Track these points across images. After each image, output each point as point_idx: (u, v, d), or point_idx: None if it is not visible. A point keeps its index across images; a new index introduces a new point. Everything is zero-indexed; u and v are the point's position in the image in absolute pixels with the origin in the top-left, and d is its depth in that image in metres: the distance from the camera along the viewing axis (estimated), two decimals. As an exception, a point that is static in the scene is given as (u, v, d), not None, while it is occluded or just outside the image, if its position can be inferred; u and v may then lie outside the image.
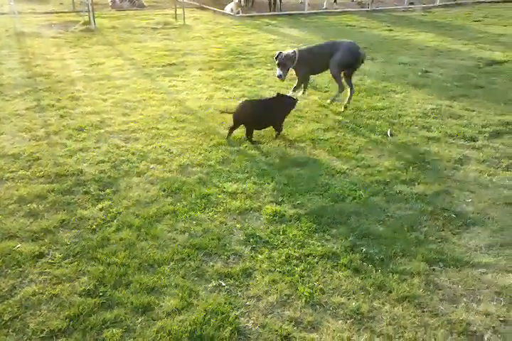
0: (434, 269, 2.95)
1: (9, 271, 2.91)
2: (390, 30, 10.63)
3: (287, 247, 3.14)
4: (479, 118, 5.34)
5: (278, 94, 4.83)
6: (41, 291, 2.75)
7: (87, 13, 10.44)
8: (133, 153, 4.43)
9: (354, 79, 6.71)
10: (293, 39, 9.59)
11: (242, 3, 13.50)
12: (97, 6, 11.69)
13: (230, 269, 2.94)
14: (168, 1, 13.92)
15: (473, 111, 5.56)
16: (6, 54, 7.84)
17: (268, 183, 3.94)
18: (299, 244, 3.18)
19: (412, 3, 14.18)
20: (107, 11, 12.53)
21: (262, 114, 4.72)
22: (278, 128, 4.86)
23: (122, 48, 8.55)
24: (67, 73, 6.86)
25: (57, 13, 12.01)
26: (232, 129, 4.77)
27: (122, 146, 4.57)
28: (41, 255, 3.05)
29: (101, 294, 2.72)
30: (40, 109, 5.47)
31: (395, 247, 3.12)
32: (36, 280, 2.84)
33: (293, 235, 3.27)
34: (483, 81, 6.73)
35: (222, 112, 5.08)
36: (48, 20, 11.04)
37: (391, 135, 4.90)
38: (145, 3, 13.73)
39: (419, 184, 3.93)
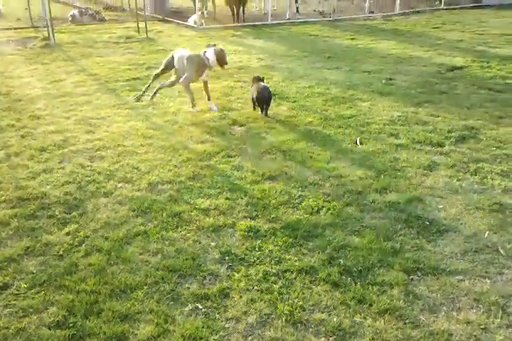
0: (412, 279, 2.93)
1: (-30, 305, 2.73)
2: (353, 38, 10.80)
3: (264, 264, 3.07)
4: (444, 123, 5.44)
5: (254, 77, 5.87)
6: (6, 326, 2.59)
7: (45, 29, 10.18)
8: (99, 173, 4.28)
9: (321, 89, 6.82)
10: (258, 50, 9.61)
11: (206, 15, 13.50)
12: (56, 21, 11.39)
13: (206, 290, 2.84)
14: (129, 15, 13.77)
15: (438, 116, 5.66)
16: (-38, 73, 7.55)
17: (241, 198, 3.87)
18: (276, 259, 3.11)
19: (372, 12, 14.49)
20: (66, 26, 12.27)
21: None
22: None
23: (84, 64, 8.36)
24: (26, 91, 6.63)
25: (14, 29, 11.67)
26: (261, 109, 5.72)
27: (87, 166, 4.41)
28: (5, 286, 2.88)
29: (71, 325, 2.58)
30: (0, 130, 5.26)
31: (372, 258, 3.10)
32: (1, 314, 2.67)
33: (269, 251, 3.20)
34: (446, 86, 6.88)
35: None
36: (5, 36, 10.73)
37: (360, 143, 4.92)
38: (106, 17, 13.53)
39: (391, 192, 3.94)
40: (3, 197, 3.84)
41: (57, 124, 5.42)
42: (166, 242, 3.31)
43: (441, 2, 15.59)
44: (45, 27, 10.29)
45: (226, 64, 5.86)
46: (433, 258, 3.12)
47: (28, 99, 6.28)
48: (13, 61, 8.40)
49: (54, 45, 9.78)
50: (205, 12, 13.75)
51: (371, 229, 3.43)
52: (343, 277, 2.93)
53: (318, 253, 3.16)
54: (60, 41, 10.05)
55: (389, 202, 3.78)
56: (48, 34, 10.00)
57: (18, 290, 2.84)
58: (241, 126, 5.48)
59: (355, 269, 2.99)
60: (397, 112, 5.81)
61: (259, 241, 3.31)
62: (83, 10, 13.23)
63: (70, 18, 12.80)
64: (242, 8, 12.91)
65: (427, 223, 3.50)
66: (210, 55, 5.66)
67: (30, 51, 9.23)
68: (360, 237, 3.33)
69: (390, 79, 7.27)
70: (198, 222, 3.55)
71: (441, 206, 3.74)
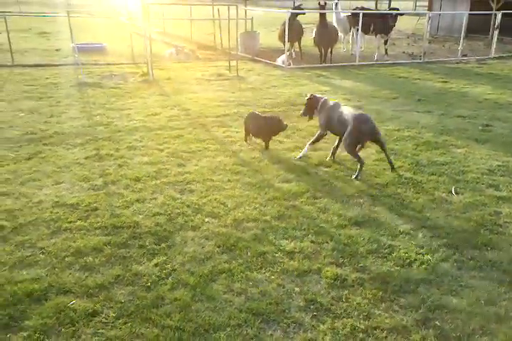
0: (519, 352, 2.63)
1: (62, 329, 2.82)
2: (445, 81, 10.50)
3: (351, 317, 2.91)
4: (551, 176, 5.01)
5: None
6: (93, 355, 2.63)
7: (145, 65, 10.96)
8: (188, 206, 4.38)
9: (411, 132, 6.61)
10: (345, 90, 9.62)
11: (294, 55, 13.85)
12: (155, 58, 12.24)
13: (290, 340, 2.73)
14: (221, 54, 14.48)
15: (544, 169, 5.24)
16: (69, 103, 8.24)
17: (327, 242, 3.76)
18: (365, 314, 2.94)
19: (465, 55, 14.09)
20: (163, 63, 13.13)
21: None
22: None
23: (178, 99, 8.81)
24: (125, 123, 7.08)
25: (117, 64, 12.69)
26: None
27: (178, 198, 4.54)
28: (95, 313, 2.96)
29: (154, 361, 2.58)
30: (99, 158, 5.60)
31: (472, 323, 2.83)
32: (89, 342, 2.73)
33: (357, 303, 3.04)
34: (551, 136, 6.41)
35: None
36: (108, 71, 11.66)
37: (456, 193, 4.64)
38: (200, 56, 14.33)
39: (492, 249, 3.63)
40: (98, 224, 4.03)
41: (152, 156, 5.68)
42: (250, 283, 3.26)
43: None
44: (145, 63, 11.08)
45: None
46: (544, 330, 2.79)
47: (126, 131, 6.68)
48: (115, 94, 9.05)
49: (152, 80, 10.45)
50: (293, 52, 14.11)
51: (471, 289, 3.15)
52: (440, 342, 2.69)
53: (411, 311, 2.95)
54: (157, 77, 10.71)
55: (490, 260, 3.48)
56: (147, 70, 10.73)
57: (106, 319, 2.90)
58: (327, 167, 5.41)
59: (453, 334, 2.74)
60: (497, 161, 5.46)
61: (346, 292, 3.16)
62: (179, 48, 14.11)
63: (167, 56, 13.70)
64: (330, 49, 13.11)
65: (536, 288, 3.16)
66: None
67: (131, 85, 9.92)
68: (459, 298, 3.07)
69: (487, 125, 6.91)
70: (282, 265, 3.47)
71: (552, 270, 3.37)
